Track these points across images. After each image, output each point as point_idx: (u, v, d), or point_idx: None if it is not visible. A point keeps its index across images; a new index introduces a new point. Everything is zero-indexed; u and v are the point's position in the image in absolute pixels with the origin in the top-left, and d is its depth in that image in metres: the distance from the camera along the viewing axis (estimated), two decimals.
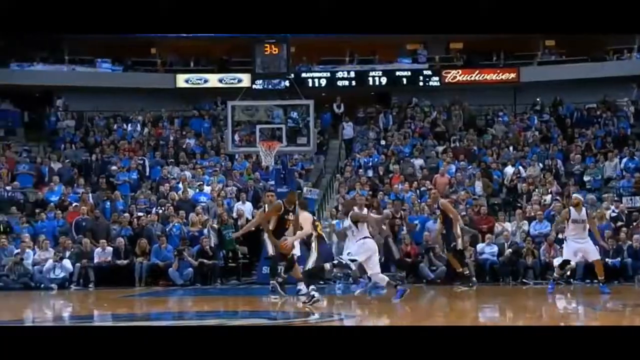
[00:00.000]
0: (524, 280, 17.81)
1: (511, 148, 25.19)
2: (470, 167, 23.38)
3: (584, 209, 14.26)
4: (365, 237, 12.42)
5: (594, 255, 14.32)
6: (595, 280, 15.05)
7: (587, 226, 14.11)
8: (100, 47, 30.53)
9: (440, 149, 25.48)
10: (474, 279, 15.94)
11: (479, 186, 21.88)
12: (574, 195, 15.38)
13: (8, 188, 22.40)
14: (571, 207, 14.22)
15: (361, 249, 12.37)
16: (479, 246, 18.55)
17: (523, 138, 26.05)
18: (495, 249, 18.48)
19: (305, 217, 13.47)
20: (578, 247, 14.17)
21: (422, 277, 17.92)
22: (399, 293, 12.28)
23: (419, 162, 24.07)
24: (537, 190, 21.06)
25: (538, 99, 29.12)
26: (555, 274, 15.10)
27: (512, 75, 30.91)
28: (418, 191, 21.60)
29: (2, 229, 19.64)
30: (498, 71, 31.13)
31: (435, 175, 22.41)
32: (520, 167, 22.93)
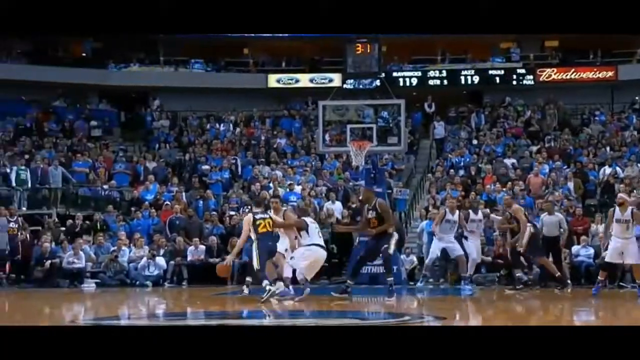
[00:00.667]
0: (621, 283, 17.27)
1: (608, 148, 24.50)
2: (565, 167, 22.86)
3: (629, 209, 13.84)
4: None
5: (632, 258, 13.90)
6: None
7: (630, 227, 13.75)
8: (195, 48, 31.08)
9: (534, 148, 24.99)
10: (569, 281, 15.52)
11: (570, 187, 21.35)
12: (619, 195, 14.99)
13: (105, 187, 23.02)
14: (616, 207, 13.89)
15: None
16: (574, 248, 18.08)
17: (621, 138, 25.31)
18: (591, 251, 17.98)
19: (246, 219, 13.36)
20: (620, 248, 13.81)
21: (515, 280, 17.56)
22: None
23: (511, 161, 23.66)
24: (635, 191, 20.41)
25: (637, 98, 28.25)
26: (599, 277, 14.67)
27: (610, 73, 30.09)
28: (511, 191, 21.21)
29: (99, 227, 20.19)
30: (595, 69, 30.33)
31: (529, 175, 21.99)
32: (617, 168, 22.28)
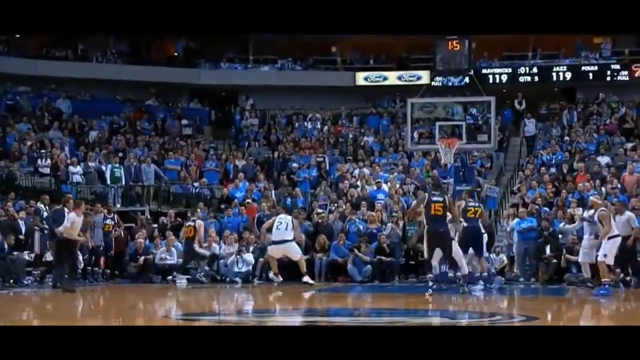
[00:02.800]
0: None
1: None
2: None
3: None
4: None
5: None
6: None
7: None
8: (283, 46, 31.32)
9: (629, 145, 24.28)
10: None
11: None
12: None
13: (196, 184, 23.43)
14: None
15: None
16: None
17: None
18: None
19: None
20: None
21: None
22: None
23: (605, 159, 23.05)
24: None
25: None
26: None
27: None
28: (604, 190, 20.68)
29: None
30: None
31: (623, 173, 21.38)
32: None
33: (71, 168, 22.50)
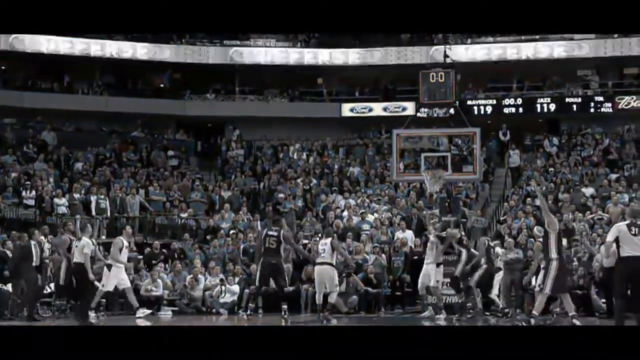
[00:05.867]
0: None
1: None
2: None
3: None
4: None
5: None
6: None
7: None
8: (269, 78, 31.50)
9: (613, 176, 24.45)
10: None
11: None
12: None
13: (183, 215, 23.38)
14: None
15: None
16: None
17: None
18: None
19: None
20: None
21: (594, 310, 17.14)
22: None
23: (589, 190, 23.18)
24: None
25: None
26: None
27: None
28: (591, 221, 20.78)
29: (176, 255, 20.47)
30: None
31: (608, 204, 21.50)
32: None
33: (56, 200, 22.42)
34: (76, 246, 15.34)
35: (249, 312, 16.02)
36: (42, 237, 17.33)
